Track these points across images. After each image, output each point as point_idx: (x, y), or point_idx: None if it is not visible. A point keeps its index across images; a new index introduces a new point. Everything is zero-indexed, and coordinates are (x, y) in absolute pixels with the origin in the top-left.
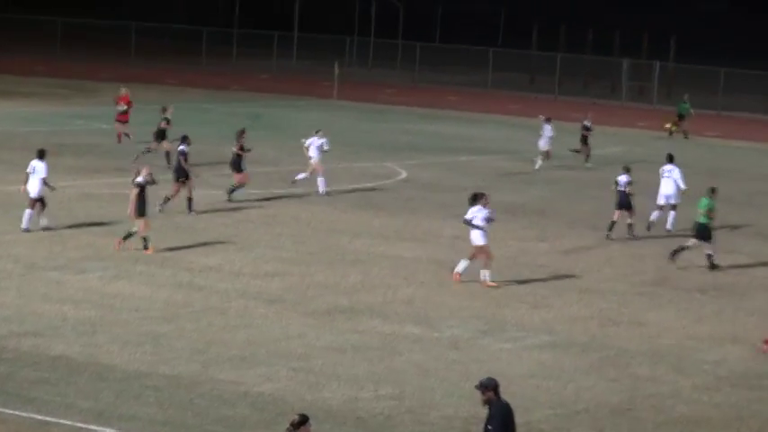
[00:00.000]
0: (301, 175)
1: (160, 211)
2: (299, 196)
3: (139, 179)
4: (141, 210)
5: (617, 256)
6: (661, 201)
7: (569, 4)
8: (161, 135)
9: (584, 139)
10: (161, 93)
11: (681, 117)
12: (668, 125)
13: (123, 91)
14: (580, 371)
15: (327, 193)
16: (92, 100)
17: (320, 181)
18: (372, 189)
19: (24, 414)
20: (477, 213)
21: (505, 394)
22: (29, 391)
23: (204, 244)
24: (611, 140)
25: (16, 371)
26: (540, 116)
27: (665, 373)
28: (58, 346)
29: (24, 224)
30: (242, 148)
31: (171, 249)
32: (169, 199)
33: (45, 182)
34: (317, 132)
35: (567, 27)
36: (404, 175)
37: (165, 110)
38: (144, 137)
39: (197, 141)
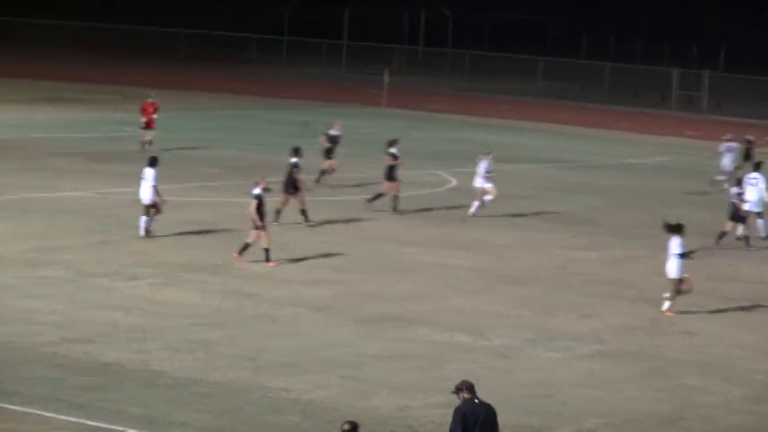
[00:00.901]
0: (480, 203)
1: (276, 223)
2: (347, 204)
3: (256, 190)
4: (261, 220)
5: (661, 266)
6: (744, 207)
7: (619, 14)
8: (329, 153)
9: (748, 154)
10: (209, 100)
11: None
12: None
13: (151, 98)
14: (629, 380)
15: (473, 215)
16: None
17: (475, 204)
18: (421, 197)
19: (75, 420)
20: (675, 244)
21: (555, 403)
22: (80, 397)
23: (253, 251)
24: (658, 150)
25: (68, 377)
26: (727, 138)
27: (715, 384)
28: (109, 352)
29: (141, 231)
30: (394, 157)
31: (222, 257)
32: (279, 211)
33: (155, 189)
34: (487, 154)
35: (617, 36)
36: (453, 183)
37: (332, 125)
38: (189, 143)
39: (247, 149)
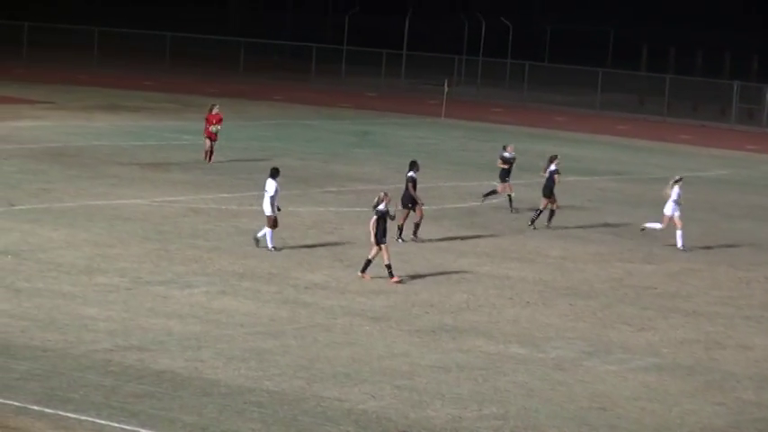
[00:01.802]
0: (658, 226)
1: (401, 240)
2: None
3: (381, 207)
4: (380, 237)
5: (724, 280)
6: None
7: (679, 26)
8: (504, 175)
9: None
10: (268, 109)
11: None
12: None
13: (216, 109)
14: (685, 394)
15: (685, 249)
16: (199, 115)
17: (679, 235)
18: (479, 208)
19: (129, 428)
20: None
21: (610, 416)
22: (134, 405)
23: (310, 260)
24: (718, 163)
25: (121, 385)
26: None
27: None
28: (163, 360)
29: (269, 243)
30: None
31: (277, 265)
32: (401, 228)
33: (271, 201)
34: (677, 181)
35: (677, 49)
36: (512, 194)
37: (505, 148)
38: (248, 152)
39: (306, 158)
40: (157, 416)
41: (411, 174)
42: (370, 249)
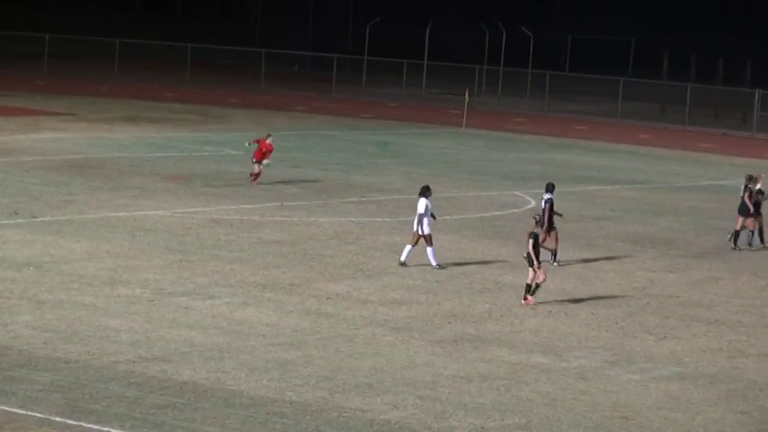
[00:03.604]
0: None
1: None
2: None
3: (536, 230)
4: (533, 259)
5: (746, 288)
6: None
7: (700, 35)
8: (756, 208)
9: None
10: (289, 119)
11: None
12: None
13: (270, 139)
14: (708, 403)
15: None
16: (221, 126)
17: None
18: (501, 218)
19: None
20: None
21: (632, 425)
22: (156, 415)
23: (332, 271)
24: (740, 171)
25: (144, 396)
26: None
27: None
28: (186, 371)
29: (403, 257)
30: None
31: (299, 276)
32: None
33: (420, 218)
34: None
35: (698, 57)
36: (532, 203)
37: (752, 179)
38: (270, 165)
39: (327, 169)
40: (180, 427)
41: (549, 196)
42: (529, 274)
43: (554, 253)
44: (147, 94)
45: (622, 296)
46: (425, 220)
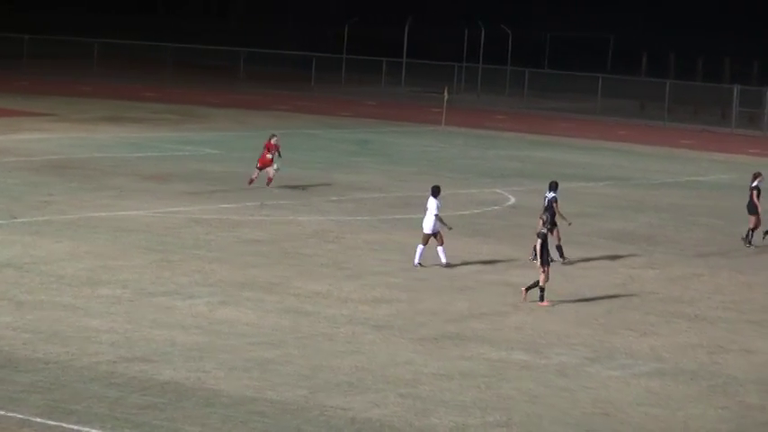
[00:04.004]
0: None
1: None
2: (406, 222)
3: (543, 230)
4: (544, 259)
5: (726, 284)
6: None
7: (678, 32)
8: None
9: None
10: (270, 118)
11: None
12: None
13: (275, 139)
14: (689, 399)
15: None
16: (202, 126)
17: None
18: (481, 215)
19: None
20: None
21: (613, 421)
22: (137, 416)
23: (311, 269)
24: (720, 167)
25: (125, 396)
26: None
27: None
28: (166, 371)
29: (416, 259)
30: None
31: (279, 275)
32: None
33: (438, 218)
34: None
35: (677, 54)
36: (512, 201)
37: (756, 176)
38: (249, 162)
39: (307, 167)
40: (161, 426)
41: (553, 194)
42: (540, 274)
43: (559, 249)
44: (129, 94)
45: (603, 293)
46: (430, 219)
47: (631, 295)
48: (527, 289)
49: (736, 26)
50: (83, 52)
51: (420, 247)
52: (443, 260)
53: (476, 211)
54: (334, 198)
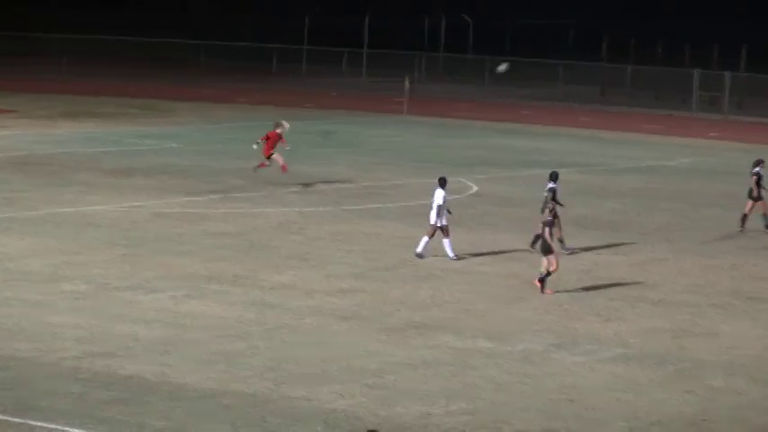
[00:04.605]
0: None
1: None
2: (371, 212)
3: (549, 218)
4: (546, 247)
5: (690, 268)
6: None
7: (638, 17)
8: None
9: None
10: (232, 111)
11: None
12: None
13: (280, 128)
14: (654, 383)
15: None
16: (164, 120)
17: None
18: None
19: None
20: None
21: (579, 407)
22: (102, 411)
23: (276, 261)
24: (682, 152)
25: (90, 391)
26: None
27: (742, 385)
28: (131, 365)
29: (419, 248)
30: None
31: (244, 267)
32: (565, 241)
33: (440, 209)
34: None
35: (637, 39)
36: (475, 189)
37: (758, 163)
38: (212, 154)
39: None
40: (127, 421)
41: (552, 185)
42: (551, 263)
43: (561, 240)
44: (89, 89)
45: (568, 279)
46: (437, 210)
47: (596, 281)
48: (540, 281)
49: (695, 10)
50: (43, 48)
51: (425, 238)
52: (450, 254)
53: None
54: (297, 190)
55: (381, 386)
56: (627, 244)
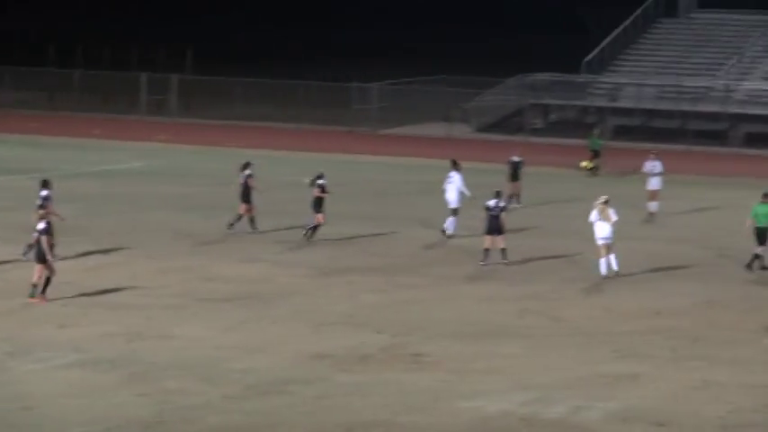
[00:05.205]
0: None
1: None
2: None
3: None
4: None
5: (142, 272)
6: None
7: (85, 20)
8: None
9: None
10: None
11: (595, 153)
12: (584, 164)
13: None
14: (109, 387)
15: None
16: None
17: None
18: None
19: None
20: None
21: (35, 415)
22: None
23: None
24: (131, 155)
25: None
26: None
27: (195, 385)
28: None
29: (450, 229)
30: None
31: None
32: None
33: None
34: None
35: (85, 43)
36: None
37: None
38: None
39: None
40: None
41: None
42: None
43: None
44: None
45: (25, 288)
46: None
47: (53, 288)
48: (42, 291)
49: (141, 12)
50: None
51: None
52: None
53: None
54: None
55: None
56: (81, 248)
